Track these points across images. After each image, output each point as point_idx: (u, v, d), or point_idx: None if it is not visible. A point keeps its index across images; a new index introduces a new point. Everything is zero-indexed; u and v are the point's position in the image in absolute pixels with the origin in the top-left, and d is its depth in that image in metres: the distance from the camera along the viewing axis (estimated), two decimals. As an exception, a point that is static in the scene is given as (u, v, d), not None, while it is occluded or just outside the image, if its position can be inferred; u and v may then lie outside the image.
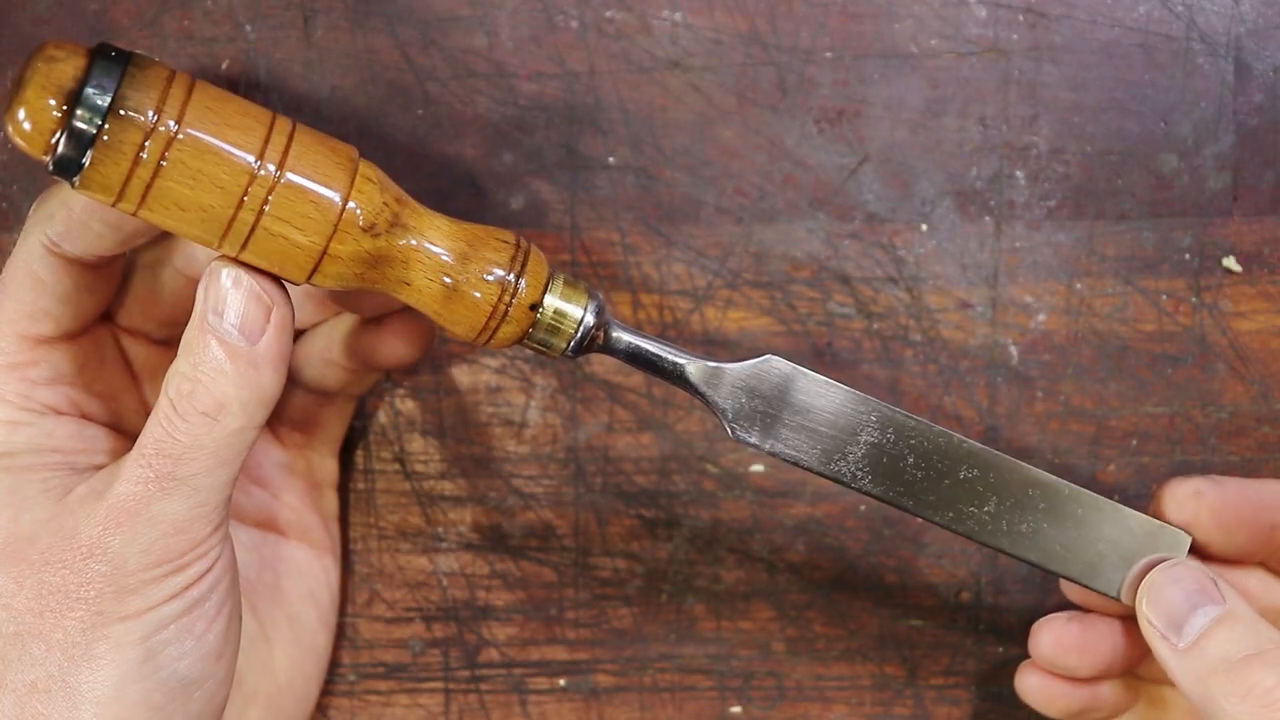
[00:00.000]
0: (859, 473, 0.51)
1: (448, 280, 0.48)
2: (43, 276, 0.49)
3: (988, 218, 0.58)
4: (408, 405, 0.59)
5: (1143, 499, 0.59)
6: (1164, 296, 0.58)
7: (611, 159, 0.58)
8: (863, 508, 0.59)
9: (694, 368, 0.51)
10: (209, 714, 0.49)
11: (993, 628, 0.59)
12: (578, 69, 0.58)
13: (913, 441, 0.51)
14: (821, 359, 0.58)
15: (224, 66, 0.58)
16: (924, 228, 0.58)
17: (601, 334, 0.50)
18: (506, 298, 0.49)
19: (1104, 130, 0.58)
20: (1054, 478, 0.52)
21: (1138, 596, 0.51)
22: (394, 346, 0.54)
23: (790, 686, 0.60)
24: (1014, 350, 0.59)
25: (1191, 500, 0.52)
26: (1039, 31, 0.58)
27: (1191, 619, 0.50)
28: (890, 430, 0.51)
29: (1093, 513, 0.52)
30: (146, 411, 0.54)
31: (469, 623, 0.60)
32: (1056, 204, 0.58)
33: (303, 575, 0.57)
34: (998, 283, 0.58)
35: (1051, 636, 0.54)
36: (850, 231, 0.58)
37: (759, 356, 0.51)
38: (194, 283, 0.52)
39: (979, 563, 0.59)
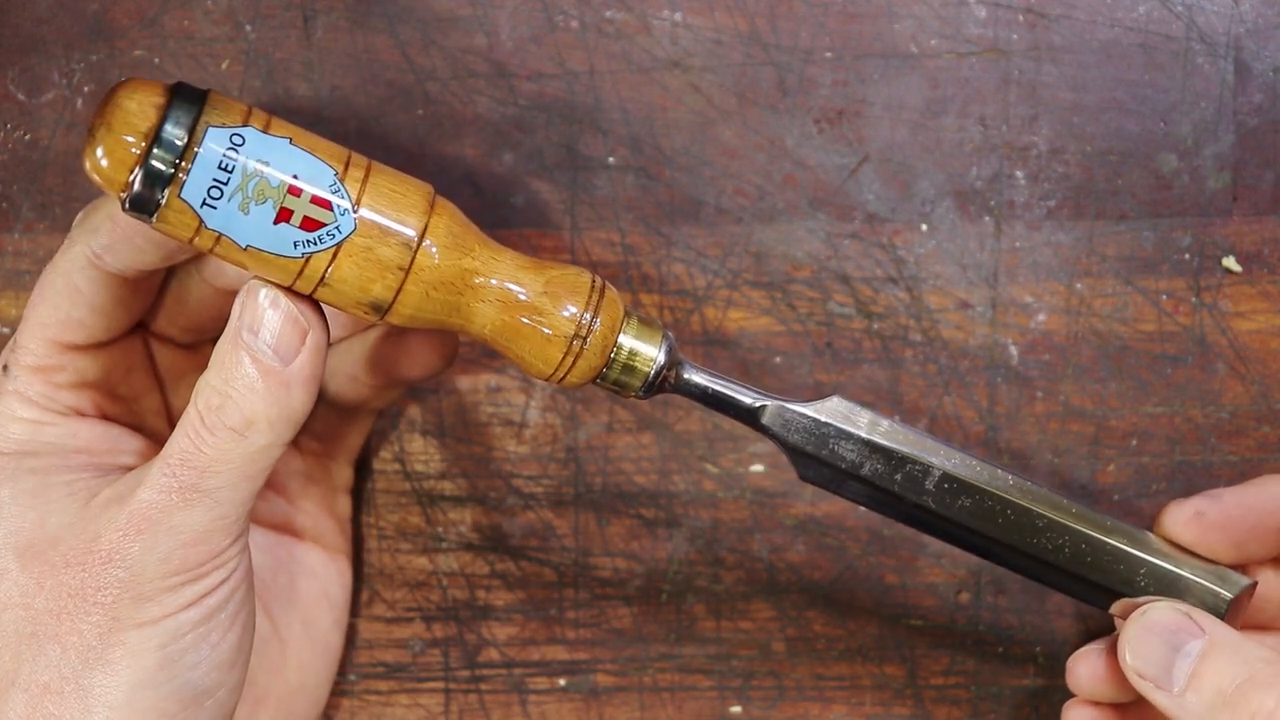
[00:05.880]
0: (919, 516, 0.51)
1: (524, 320, 0.48)
2: (81, 287, 0.50)
3: (988, 218, 0.58)
4: (408, 405, 0.59)
5: (1142, 499, 0.59)
6: (1164, 296, 0.58)
7: (611, 159, 0.58)
8: (862, 508, 0.59)
9: (769, 410, 0.50)
10: None
11: (993, 628, 0.59)
12: (578, 69, 0.58)
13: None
14: (821, 359, 0.58)
15: (224, 66, 0.58)
16: (924, 228, 0.58)
17: (673, 374, 0.50)
18: (581, 335, 0.48)
19: (1104, 130, 0.58)
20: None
21: (1119, 652, 0.50)
22: (416, 359, 0.54)
23: (790, 686, 0.60)
24: (1014, 350, 0.59)
25: (1195, 522, 0.51)
26: (1039, 31, 0.58)
27: (1177, 662, 0.49)
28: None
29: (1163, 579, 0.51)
30: (168, 415, 0.54)
31: (469, 623, 0.60)
32: (1056, 204, 0.58)
33: (317, 577, 0.57)
34: (998, 283, 0.58)
35: (1087, 669, 0.53)
36: (850, 231, 0.58)
37: (826, 397, 0.51)
38: (220, 292, 0.52)
39: (979, 562, 0.59)
